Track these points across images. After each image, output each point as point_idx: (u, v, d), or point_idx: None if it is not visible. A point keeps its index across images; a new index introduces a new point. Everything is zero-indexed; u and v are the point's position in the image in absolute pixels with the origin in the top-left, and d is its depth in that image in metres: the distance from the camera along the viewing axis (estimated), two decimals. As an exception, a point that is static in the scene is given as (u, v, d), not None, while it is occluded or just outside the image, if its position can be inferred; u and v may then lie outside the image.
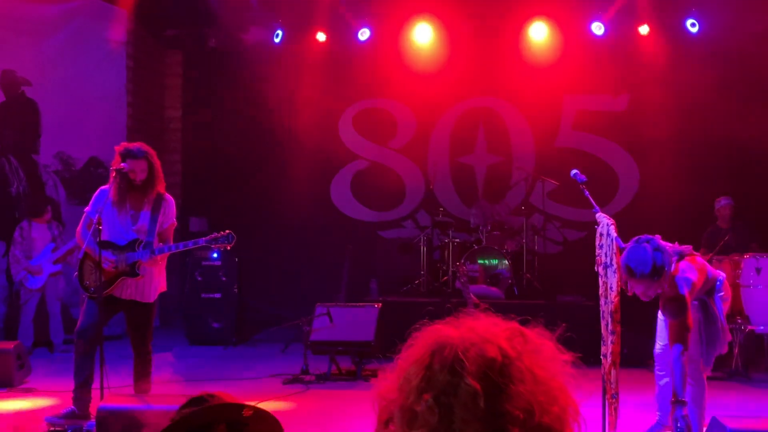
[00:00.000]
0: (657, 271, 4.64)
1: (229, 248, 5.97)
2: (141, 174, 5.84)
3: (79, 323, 5.86)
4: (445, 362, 1.30)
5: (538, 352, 1.35)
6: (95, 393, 5.67)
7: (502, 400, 1.28)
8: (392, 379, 1.37)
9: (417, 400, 1.30)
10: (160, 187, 6.00)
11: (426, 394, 1.29)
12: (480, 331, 1.35)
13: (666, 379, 5.35)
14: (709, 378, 7.60)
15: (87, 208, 5.97)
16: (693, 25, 10.70)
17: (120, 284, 5.84)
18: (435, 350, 1.33)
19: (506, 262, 10.04)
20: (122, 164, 5.77)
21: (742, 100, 10.55)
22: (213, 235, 5.93)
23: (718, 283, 5.23)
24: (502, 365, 1.30)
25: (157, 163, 5.97)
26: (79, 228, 6.00)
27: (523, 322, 1.41)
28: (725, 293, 5.27)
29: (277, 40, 11.40)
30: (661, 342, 5.38)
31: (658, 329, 5.47)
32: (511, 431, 1.27)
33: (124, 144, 6.00)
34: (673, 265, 4.80)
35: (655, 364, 5.54)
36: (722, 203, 8.91)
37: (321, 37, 11.43)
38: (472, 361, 1.29)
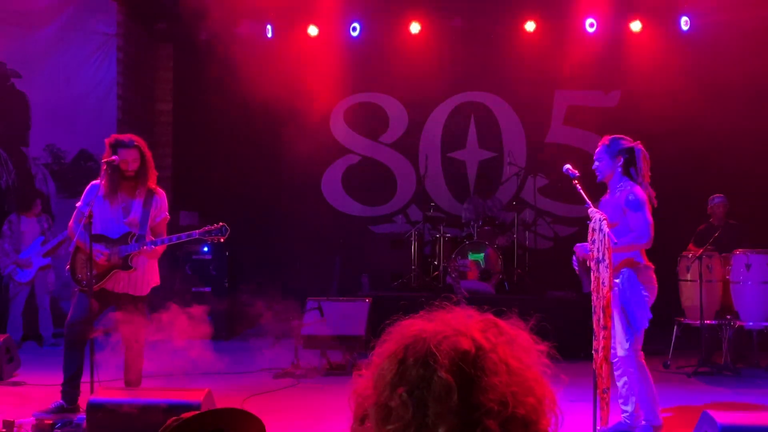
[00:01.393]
0: None
1: (222, 240, 5.97)
2: (133, 164, 5.83)
3: (69, 316, 5.84)
4: (418, 356, 1.29)
5: (513, 342, 1.33)
6: (85, 387, 5.65)
7: (476, 392, 1.26)
8: (368, 375, 1.36)
9: (391, 395, 1.29)
10: (152, 178, 5.98)
11: (400, 389, 1.28)
12: (453, 323, 1.33)
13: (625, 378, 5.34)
14: (698, 373, 7.70)
15: (78, 203, 5.95)
16: (686, 23, 10.73)
17: (113, 277, 5.82)
18: (408, 344, 1.31)
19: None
20: (113, 156, 5.75)
21: (734, 97, 10.59)
22: (206, 228, 5.91)
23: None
24: (476, 357, 1.28)
25: (148, 154, 5.96)
26: (71, 223, 5.98)
27: (498, 314, 1.40)
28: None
29: (269, 34, 11.37)
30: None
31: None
32: (485, 423, 1.25)
33: (115, 135, 5.99)
34: None
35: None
36: (715, 201, 8.93)
37: (313, 30, 11.41)
38: (445, 354, 1.27)
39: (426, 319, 1.36)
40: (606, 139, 5.46)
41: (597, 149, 5.47)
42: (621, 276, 5.20)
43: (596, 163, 5.44)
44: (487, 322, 1.35)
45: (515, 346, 1.33)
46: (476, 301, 8.61)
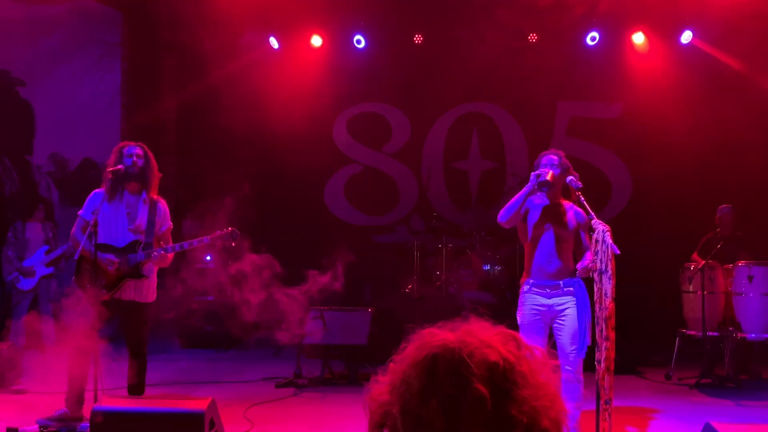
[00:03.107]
0: None
1: (234, 245, 5.95)
2: (139, 160, 5.85)
3: (71, 325, 5.81)
4: (450, 366, 1.31)
5: (532, 357, 1.36)
6: (89, 395, 5.65)
7: (508, 404, 1.28)
8: (386, 382, 1.37)
9: (421, 403, 1.30)
10: (155, 182, 5.99)
11: (433, 399, 1.29)
12: (478, 335, 1.35)
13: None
14: (700, 384, 7.71)
15: (80, 211, 5.95)
16: (687, 37, 10.79)
17: (122, 287, 5.80)
18: (437, 354, 1.33)
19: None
20: (119, 166, 5.77)
21: (736, 108, 10.61)
22: (216, 233, 5.91)
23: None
24: (505, 369, 1.30)
25: (152, 156, 6.00)
26: (73, 231, 5.97)
27: (511, 326, 1.42)
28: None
29: (272, 45, 11.42)
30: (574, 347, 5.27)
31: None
32: None
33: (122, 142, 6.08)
34: None
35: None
36: (724, 211, 8.90)
37: (317, 41, 11.46)
38: (477, 365, 1.29)
39: (447, 329, 1.38)
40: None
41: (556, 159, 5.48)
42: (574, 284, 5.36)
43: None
44: (506, 336, 1.37)
45: (534, 361, 1.36)
46: (478, 311, 8.63)
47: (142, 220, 5.86)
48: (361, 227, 12.04)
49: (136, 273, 5.78)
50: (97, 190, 5.95)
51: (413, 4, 11.35)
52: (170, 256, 5.91)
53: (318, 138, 11.72)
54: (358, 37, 11.42)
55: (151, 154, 5.99)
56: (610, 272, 4.71)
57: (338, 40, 11.59)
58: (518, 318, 5.36)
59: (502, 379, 1.30)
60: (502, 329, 1.39)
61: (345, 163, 12.13)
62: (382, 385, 1.38)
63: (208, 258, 10.17)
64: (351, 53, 11.61)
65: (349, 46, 11.52)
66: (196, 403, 5.04)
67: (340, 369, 8.11)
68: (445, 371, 1.31)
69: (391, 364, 1.39)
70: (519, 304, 5.40)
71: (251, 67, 11.36)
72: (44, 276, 9.35)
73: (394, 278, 10.97)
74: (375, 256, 11.78)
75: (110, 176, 5.76)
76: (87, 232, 5.63)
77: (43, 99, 10.68)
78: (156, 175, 6.00)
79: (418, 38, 11.54)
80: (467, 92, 11.88)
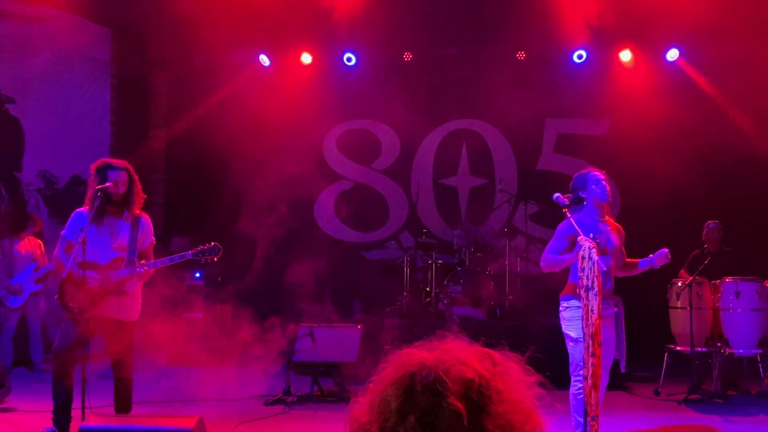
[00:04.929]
0: None
1: (216, 259, 5.93)
2: (122, 187, 5.81)
3: (55, 343, 5.78)
4: (426, 383, 1.33)
5: (508, 373, 1.40)
6: (77, 413, 5.63)
7: (484, 419, 1.31)
8: (365, 402, 1.40)
9: (399, 421, 1.33)
10: (139, 203, 5.96)
11: (410, 416, 1.32)
12: (454, 353, 1.38)
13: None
14: (689, 400, 7.73)
15: (63, 232, 5.92)
16: (673, 55, 10.91)
17: (103, 303, 5.78)
18: (414, 372, 1.36)
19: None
20: (108, 183, 5.74)
21: (722, 125, 10.70)
22: (199, 248, 5.89)
23: None
24: (480, 386, 1.34)
25: (136, 177, 5.95)
26: (56, 251, 5.93)
27: (490, 344, 1.45)
28: None
29: (262, 62, 11.46)
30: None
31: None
32: None
33: (103, 159, 5.98)
34: None
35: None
36: (710, 227, 8.96)
37: (306, 58, 11.51)
38: (454, 381, 1.32)
39: (426, 348, 1.42)
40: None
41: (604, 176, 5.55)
42: (618, 302, 5.34)
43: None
44: (482, 353, 1.41)
45: (509, 377, 1.39)
46: (468, 327, 8.65)
47: (124, 238, 5.84)
48: (351, 243, 12.05)
49: (118, 290, 5.77)
50: (78, 210, 5.92)
51: (403, 22, 11.41)
52: (152, 271, 5.90)
53: (308, 154, 11.74)
54: (348, 54, 11.48)
55: (135, 177, 5.94)
56: (596, 289, 4.73)
57: (328, 58, 11.65)
58: (572, 333, 5.28)
59: (478, 395, 1.33)
60: (478, 347, 1.42)
61: (335, 179, 12.16)
62: (362, 405, 1.40)
63: (197, 275, 10.16)
64: (341, 70, 11.66)
65: (339, 63, 11.58)
66: (183, 421, 5.02)
67: (330, 386, 8.09)
68: (422, 388, 1.33)
69: (371, 384, 1.41)
70: (569, 318, 5.35)
71: (241, 85, 11.39)
72: (33, 293, 9.31)
73: (384, 294, 10.98)
74: (365, 272, 11.79)
75: (99, 194, 5.71)
76: (75, 250, 5.61)
77: (32, 116, 10.67)
78: (140, 197, 5.97)
79: (407, 56, 11.61)
80: (456, 109, 11.95)
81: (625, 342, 5.37)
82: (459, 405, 1.30)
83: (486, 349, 1.42)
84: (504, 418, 1.32)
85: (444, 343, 1.42)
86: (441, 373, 1.34)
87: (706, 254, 8.50)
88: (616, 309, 5.37)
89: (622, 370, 5.40)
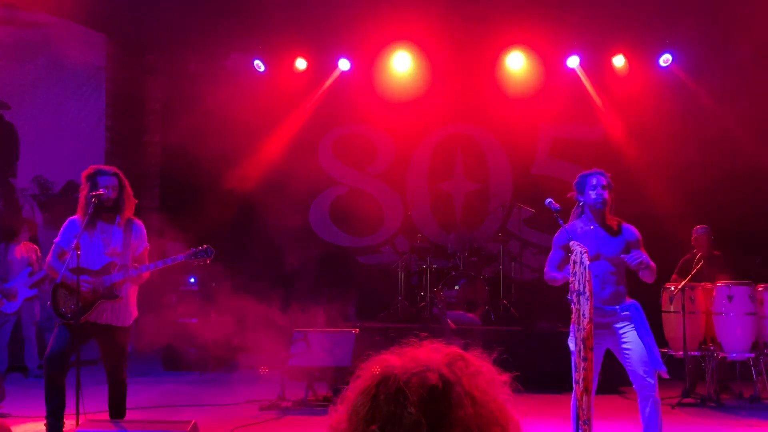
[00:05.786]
0: None
1: (209, 262, 5.95)
2: (113, 192, 5.83)
3: (48, 349, 5.77)
4: (388, 392, 1.36)
5: (478, 374, 1.41)
6: (71, 418, 5.63)
7: (444, 426, 1.33)
8: (342, 410, 1.42)
9: (364, 430, 1.35)
10: (130, 208, 5.97)
11: (373, 425, 1.34)
12: (422, 359, 1.40)
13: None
14: (682, 404, 7.75)
15: (56, 239, 5.93)
16: (666, 60, 10.96)
17: (97, 308, 5.79)
18: (380, 381, 1.38)
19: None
20: (101, 190, 5.75)
21: (718, 129, 10.74)
22: (192, 251, 5.91)
23: None
24: (443, 392, 1.35)
25: (127, 183, 5.96)
26: (48, 258, 5.94)
27: (464, 346, 1.47)
28: None
29: (257, 67, 11.49)
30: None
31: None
32: None
33: (93, 165, 6.00)
34: None
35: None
36: (699, 231, 9.00)
37: (301, 64, 11.55)
38: (414, 390, 1.34)
39: (396, 354, 1.43)
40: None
41: (604, 180, 5.52)
42: (630, 308, 5.33)
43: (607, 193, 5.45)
44: (453, 356, 1.42)
45: (480, 378, 1.40)
46: (462, 331, 8.66)
47: (117, 243, 5.85)
48: (346, 248, 12.07)
49: (111, 294, 5.78)
50: (72, 218, 5.93)
51: (397, 28, 11.44)
52: (146, 274, 5.91)
53: (303, 159, 11.77)
54: (342, 60, 11.51)
55: (126, 182, 5.96)
56: (587, 294, 4.75)
57: (323, 63, 11.68)
58: (571, 345, 5.16)
59: (440, 402, 1.34)
60: (452, 349, 1.43)
61: (330, 184, 12.19)
62: (340, 413, 1.42)
63: (192, 280, 10.17)
64: (335, 75, 11.69)
65: (333, 68, 11.61)
66: (178, 426, 5.04)
67: (325, 391, 8.10)
68: (385, 397, 1.35)
69: (347, 392, 1.43)
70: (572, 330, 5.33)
71: (236, 90, 11.41)
72: (28, 298, 9.31)
73: (379, 298, 11.01)
74: (360, 276, 11.82)
75: (94, 200, 5.71)
76: (69, 256, 5.62)
77: (27, 122, 10.68)
78: (131, 202, 5.98)
79: (402, 60, 11.63)
80: (451, 114, 11.98)
81: (656, 348, 5.32)
82: (418, 414, 1.32)
83: (460, 352, 1.43)
84: (465, 424, 1.33)
85: (414, 349, 1.44)
86: (402, 383, 1.35)
87: (699, 258, 8.54)
88: (627, 313, 5.35)
89: (664, 375, 5.39)
